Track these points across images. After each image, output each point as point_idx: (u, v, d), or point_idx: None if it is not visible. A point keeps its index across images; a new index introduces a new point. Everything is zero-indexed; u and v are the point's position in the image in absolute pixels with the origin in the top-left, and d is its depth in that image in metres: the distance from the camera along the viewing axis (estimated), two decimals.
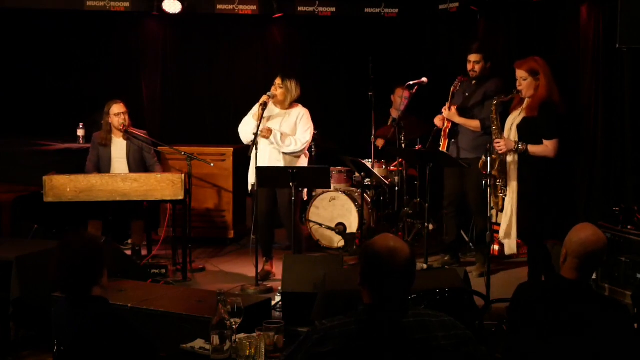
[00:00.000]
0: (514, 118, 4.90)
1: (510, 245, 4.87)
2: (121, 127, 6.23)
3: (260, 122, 5.48)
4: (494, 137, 4.89)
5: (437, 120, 5.95)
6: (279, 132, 5.56)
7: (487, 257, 4.95)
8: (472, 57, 5.75)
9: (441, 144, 5.95)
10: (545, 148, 4.77)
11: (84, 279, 2.66)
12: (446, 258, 6.15)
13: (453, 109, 5.76)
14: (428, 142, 6.36)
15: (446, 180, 6.00)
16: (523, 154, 4.78)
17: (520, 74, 4.81)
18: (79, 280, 2.66)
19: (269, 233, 5.84)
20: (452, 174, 5.94)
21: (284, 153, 5.60)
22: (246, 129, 5.64)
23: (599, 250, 2.69)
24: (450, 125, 5.87)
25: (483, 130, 5.66)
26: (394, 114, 7.30)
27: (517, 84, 4.83)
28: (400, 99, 7.14)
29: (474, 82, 5.81)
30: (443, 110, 5.81)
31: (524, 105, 4.87)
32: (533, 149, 4.77)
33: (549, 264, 4.96)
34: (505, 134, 4.91)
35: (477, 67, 5.73)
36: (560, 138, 4.82)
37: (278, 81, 5.62)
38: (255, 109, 5.59)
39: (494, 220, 5.00)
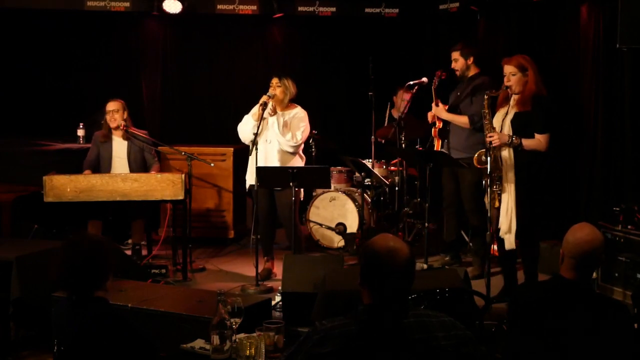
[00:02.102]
0: (503, 114, 4.91)
1: (510, 240, 4.88)
2: (113, 125, 6.22)
3: (260, 122, 5.49)
4: (486, 132, 4.88)
5: (429, 116, 6.02)
6: (282, 121, 5.56)
7: (487, 257, 4.95)
8: (452, 55, 5.90)
9: (435, 144, 5.98)
10: (538, 142, 4.79)
11: (87, 280, 2.66)
12: (447, 258, 6.16)
13: (440, 105, 5.80)
14: (428, 142, 6.37)
15: (444, 180, 6.03)
16: (517, 148, 4.78)
17: (509, 69, 4.83)
18: (82, 280, 2.66)
19: (270, 232, 5.85)
20: (448, 174, 5.97)
21: (281, 151, 5.60)
22: (245, 129, 5.64)
23: (595, 250, 2.69)
24: (441, 124, 5.90)
25: (472, 126, 5.70)
26: (396, 114, 7.31)
27: (506, 80, 4.84)
28: (403, 102, 7.16)
29: (465, 80, 5.87)
30: (433, 106, 5.84)
31: (513, 101, 4.87)
32: (526, 142, 4.78)
33: (535, 262, 5.00)
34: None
35: (457, 65, 5.86)
36: (552, 133, 4.83)
37: (275, 81, 5.65)
38: (255, 109, 5.60)
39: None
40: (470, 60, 5.83)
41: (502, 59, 4.95)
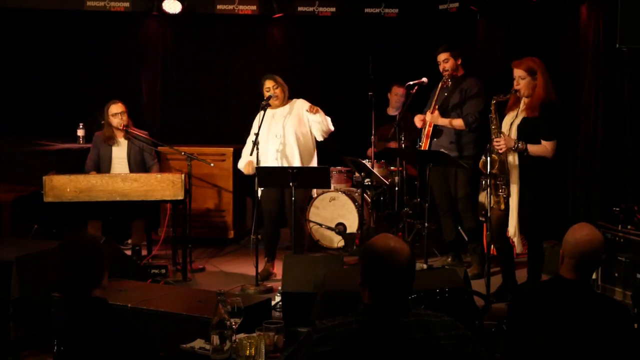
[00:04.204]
0: (512, 118, 4.90)
1: (518, 242, 4.89)
2: (120, 127, 6.23)
3: (261, 124, 5.52)
4: (493, 137, 4.88)
5: (417, 120, 5.99)
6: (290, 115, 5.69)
7: (487, 257, 4.95)
8: (440, 57, 5.85)
9: (422, 144, 5.96)
10: (544, 149, 4.78)
11: (84, 281, 2.66)
12: (449, 259, 6.15)
13: (436, 111, 5.79)
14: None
15: (432, 182, 5.96)
16: (522, 153, 4.78)
17: (518, 73, 4.81)
18: (79, 281, 2.66)
19: (275, 234, 5.86)
20: (436, 174, 5.91)
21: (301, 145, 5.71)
22: (244, 161, 5.79)
23: (594, 250, 2.69)
24: (432, 126, 5.90)
25: (467, 128, 5.70)
26: (391, 112, 7.31)
27: (515, 83, 4.82)
28: (396, 96, 7.17)
29: (450, 83, 5.85)
30: (427, 113, 5.84)
31: (523, 105, 4.86)
32: (532, 148, 4.77)
33: (541, 264, 5.00)
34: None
35: (447, 66, 5.81)
36: (559, 139, 4.83)
37: (271, 84, 5.69)
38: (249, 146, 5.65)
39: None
40: (459, 61, 5.83)
41: (512, 61, 4.92)
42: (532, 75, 4.77)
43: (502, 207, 4.87)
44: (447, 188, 5.96)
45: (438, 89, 5.90)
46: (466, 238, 6.40)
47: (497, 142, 4.81)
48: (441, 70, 5.86)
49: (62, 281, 2.69)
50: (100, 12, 7.57)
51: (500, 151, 4.80)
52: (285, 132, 5.69)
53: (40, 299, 4.10)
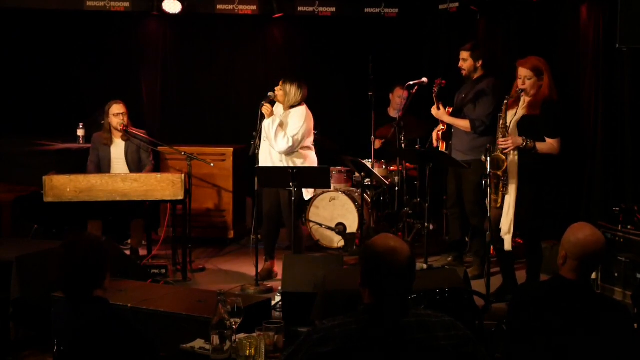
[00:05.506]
0: (512, 116, 4.89)
1: (509, 241, 4.89)
2: (120, 127, 6.23)
3: (260, 121, 5.51)
4: (500, 135, 4.86)
5: (434, 135, 6.02)
6: (277, 124, 5.52)
7: (488, 257, 4.95)
8: (460, 55, 5.84)
9: (439, 147, 5.98)
10: (551, 146, 4.78)
11: (86, 281, 2.66)
12: (449, 259, 6.15)
13: (442, 108, 5.79)
14: (428, 142, 6.37)
15: (448, 181, 6.04)
16: (525, 151, 4.77)
17: (524, 72, 4.79)
18: (81, 281, 2.66)
19: (275, 233, 5.85)
20: (452, 175, 5.98)
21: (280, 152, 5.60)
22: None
23: (599, 251, 2.68)
24: (445, 127, 5.89)
25: (473, 130, 5.68)
26: (392, 113, 7.31)
27: (520, 83, 4.81)
28: (399, 98, 7.16)
29: (470, 82, 5.85)
30: (432, 110, 5.83)
31: (524, 103, 4.86)
32: (540, 146, 4.76)
33: (539, 264, 5.00)
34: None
35: (465, 65, 5.81)
36: (562, 137, 4.83)
37: (279, 84, 5.67)
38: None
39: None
40: (479, 63, 5.80)
41: (515, 60, 4.92)
42: (539, 76, 4.77)
43: (499, 204, 4.87)
44: (460, 190, 5.95)
45: (434, 93, 5.86)
46: (467, 239, 6.41)
47: (504, 141, 4.79)
48: (459, 66, 5.86)
49: (63, 280, 2.69)
50: (100, 12, 7.57)
51: (505, 150, 4.79)
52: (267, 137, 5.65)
53: (40, 299, 4.10)
